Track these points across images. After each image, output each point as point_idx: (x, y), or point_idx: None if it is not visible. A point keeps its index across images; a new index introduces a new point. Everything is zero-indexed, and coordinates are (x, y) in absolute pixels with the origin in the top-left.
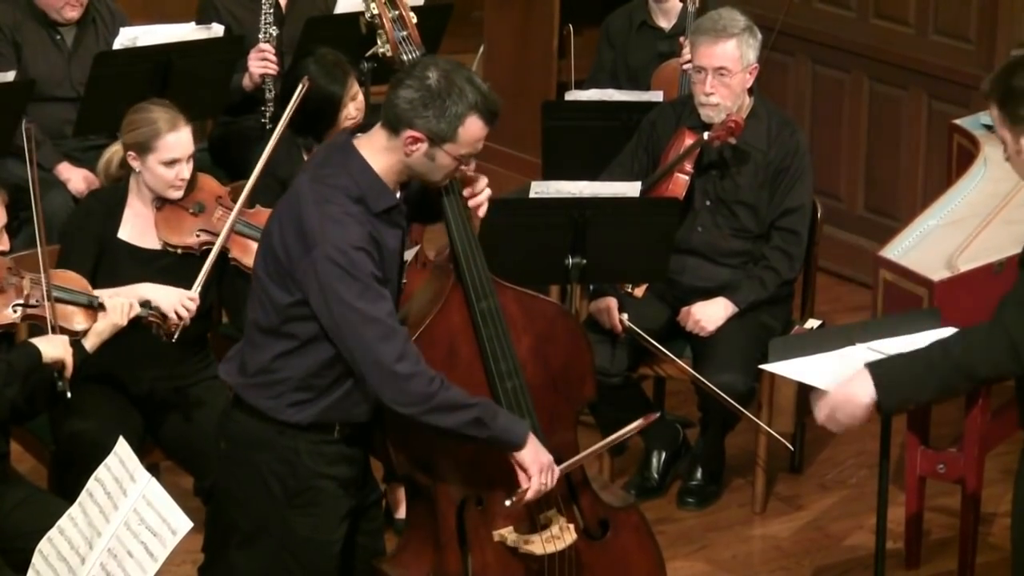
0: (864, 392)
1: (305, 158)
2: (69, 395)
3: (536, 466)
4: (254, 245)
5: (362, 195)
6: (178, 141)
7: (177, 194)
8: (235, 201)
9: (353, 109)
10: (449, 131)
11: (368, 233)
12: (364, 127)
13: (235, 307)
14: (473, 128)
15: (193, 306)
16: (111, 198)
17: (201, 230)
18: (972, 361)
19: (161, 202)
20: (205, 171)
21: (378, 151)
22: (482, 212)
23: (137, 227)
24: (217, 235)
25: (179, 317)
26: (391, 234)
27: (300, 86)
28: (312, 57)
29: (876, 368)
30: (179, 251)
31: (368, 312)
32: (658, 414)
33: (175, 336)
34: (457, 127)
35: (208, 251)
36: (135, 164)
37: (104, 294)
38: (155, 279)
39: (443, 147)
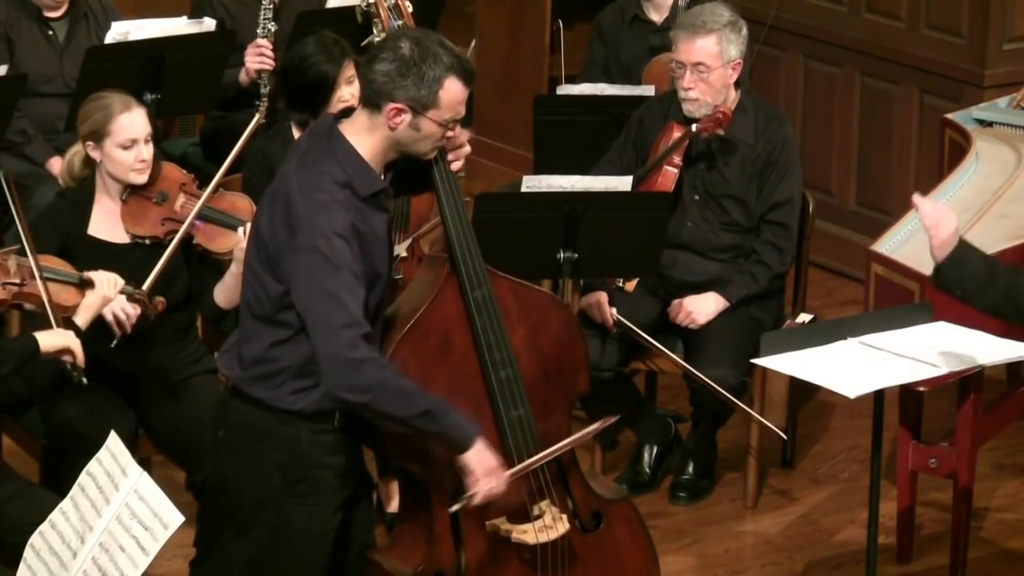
0: (954, 230)
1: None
2: (85, 381)
3: (482, 469)
4: (219, 230)
5: (349, 180)
6: (132, 121)
7: (141, 178)
8: (201, 189)
9: (347, 93)
10: (430, 96)
11: (352, 224)
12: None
13: (199, 292)
14: (453, 90)
15: (131, 309)
16: (78, 197)
17: (166, 219)
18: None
19: (127, 194)
20: (197, 166)
21: (362, 132)
22: (456, 166)
23: (107, 223)
24: (182, 223)
25: (123, 316)
26: (378, 218)
27: (256, 116)
28: (313, 36)
29: (963, 244)
30: (147, 242)
31: (336, 296)
32: (617, 417)
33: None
34: (437, 91)
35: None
36: (95, 155)
37: None
38: (128, 272)
39: (427, 114)
